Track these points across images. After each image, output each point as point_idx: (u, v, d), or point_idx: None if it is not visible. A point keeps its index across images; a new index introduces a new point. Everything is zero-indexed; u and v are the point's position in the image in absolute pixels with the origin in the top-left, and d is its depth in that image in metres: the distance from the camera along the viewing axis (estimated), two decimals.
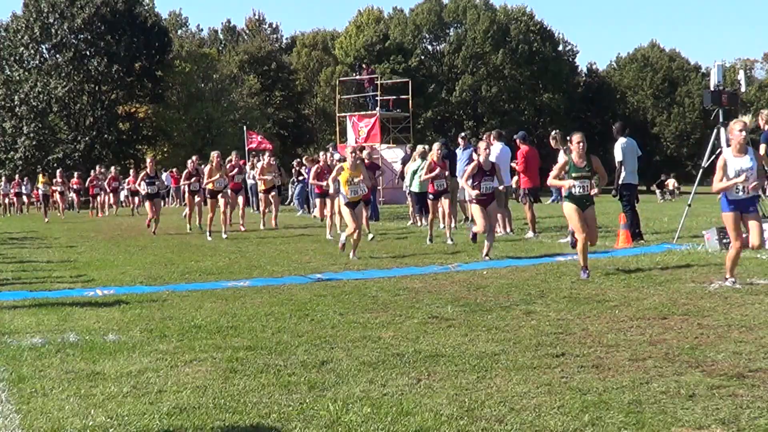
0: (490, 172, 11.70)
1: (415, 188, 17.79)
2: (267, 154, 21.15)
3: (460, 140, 17.65)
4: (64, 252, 15.02)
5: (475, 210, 11.69)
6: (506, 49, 63.48)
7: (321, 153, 17.09)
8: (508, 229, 15.45)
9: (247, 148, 30.61)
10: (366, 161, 20.51)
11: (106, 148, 52.58)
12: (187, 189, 19.51)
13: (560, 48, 68.70)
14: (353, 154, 12.68)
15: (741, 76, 14.45)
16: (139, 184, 19.21)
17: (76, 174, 34.85)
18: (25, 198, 36.53)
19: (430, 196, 14.53)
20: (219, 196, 16.79)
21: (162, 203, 20.10)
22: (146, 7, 57.81)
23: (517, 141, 15.74)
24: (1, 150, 52.50)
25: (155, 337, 6.68)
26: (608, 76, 71.64)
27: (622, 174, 13.19)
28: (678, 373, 5.11)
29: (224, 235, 16.54)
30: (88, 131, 52.49)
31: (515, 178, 15.97)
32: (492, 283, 9.15)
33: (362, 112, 35.82)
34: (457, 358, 5.66)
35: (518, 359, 5.59)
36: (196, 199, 19.27)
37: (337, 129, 38.83)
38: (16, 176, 38.67)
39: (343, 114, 38.35)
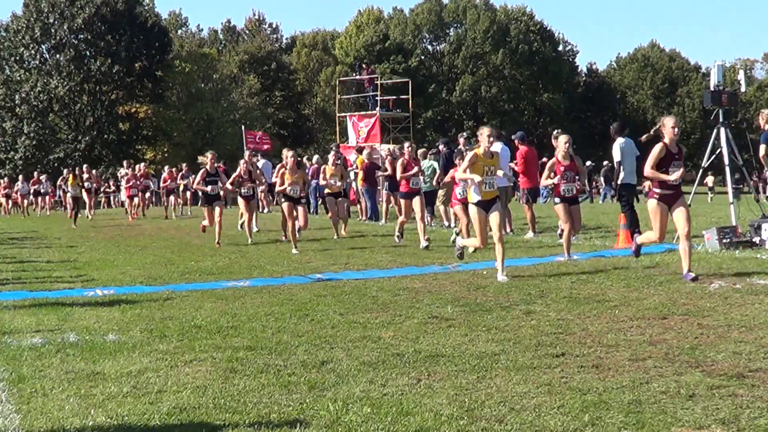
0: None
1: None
2: (332, 153, 17.51)
3: (460, 140, 17.65)
4: (64, 252, 15.02)
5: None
6: (506, 49, 63.49)
7: (406, 145, 14.81)
8: (508, 229, 15.44)
9: (245, 149, 30.59)
10: (366, 161, 20.54)
11: (106, 148, 52.58)
12: (240, 194, 16.23)
13: (560, 48, 68.71)
14: (489, 138, 9.77)
15: (741, 76, 14.46)
16: (198, 184, 16.20)
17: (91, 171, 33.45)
18: (41, 198, 34.62)
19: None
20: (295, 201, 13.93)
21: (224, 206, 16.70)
22: (146, 7, 57.84)
23: (516, 141, 15.73)
24: (1, 150, 52.50)
25: (155, 337, 6.68)
26: (608, 76, 71.67)
27: (621, 174, 13.19)
28: (678, 373, 5.11)
29: (295, 251, 13.53)
30: (88, 131, 52.50)
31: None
32: (492, 283, 9.15)
33: (362, 112, 35.85)
34: (457, 358, 5.66)
35: (518, 359, 5.59)
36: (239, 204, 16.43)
37: (337, 129, 38.85)
38: (35, 174, 36.34)
39: (343, 114, 38.38)
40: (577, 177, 11.25)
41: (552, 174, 11.15)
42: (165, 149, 56.92)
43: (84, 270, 11.85)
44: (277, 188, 14.35)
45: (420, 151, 18.59)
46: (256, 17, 73.01)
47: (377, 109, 33.93)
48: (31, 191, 33.89)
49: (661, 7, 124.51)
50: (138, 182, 27.99)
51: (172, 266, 11.96)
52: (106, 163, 50.87)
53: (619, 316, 7.03)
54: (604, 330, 6.48)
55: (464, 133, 18.75)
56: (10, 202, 35.43)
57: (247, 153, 17.52)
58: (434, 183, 17.35)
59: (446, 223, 17.32)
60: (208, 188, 15.38)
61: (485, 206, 9.61)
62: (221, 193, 15.70)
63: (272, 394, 4.94)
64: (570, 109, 65.41)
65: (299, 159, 19.77)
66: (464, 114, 64.88)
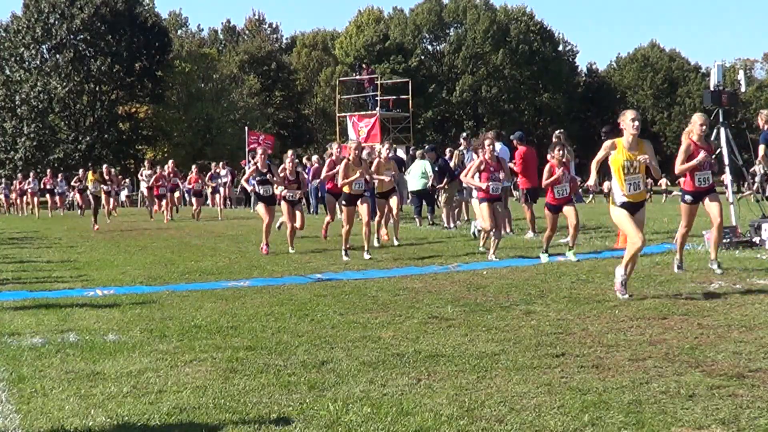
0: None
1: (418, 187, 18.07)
2: (386, 145, 15.14)
3: (462, 141, 17.64)
4: (64, 252, 15.01)
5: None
6: (506, 49, 63.52)
7: (484, 136, 13.20)
8: (508, 229, 15.44)
9: (248, 149, 30.62)
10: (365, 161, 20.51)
11: (106, 148, 52.61)
12: (284, 198, 14.09)
13: (560, 48, 68.76)
14: (634, 127, 8.05)
15: (741, 76, 14.46)
16: (247, 180, 14.80)
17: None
18: (58, 198, 33.10)
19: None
20: (359, 201, 12.48)
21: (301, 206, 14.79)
22: (146, 7, 57.87)
23: (515, 141, 15.74)
24: (1, 150, 52.52)
25: (155, 337, 6.67)
26: (608, 76, 71.71)
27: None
28: (678, 373, 5.11)
29: (368, 256, 12.24)
30: (88, 131, 52.54)
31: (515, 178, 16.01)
32: (492, 283, 9.15)
33: (362, 112, 35.86)
34: (457, 358, 5.66)
35: (518, 359, 5.59)
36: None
37: (337, 129, 38.86)
38: (48, 171, 34.34)
39: (343, 114, 38.40)
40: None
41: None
42: (165, 149, 56.94)
43: (84, 270, 11.84)
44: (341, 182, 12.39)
45: (418, 152, 18.74)
46: (256, 17, 73.13)
47: (377, 109, 33.94)
48: (40, 190, 32.32)
49: (661, 7, 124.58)
50: (167, 182, 25.85)
51: (172, 266, 11.96)
52: (106, 163, 50.88)
53: (619, 316, 7.03)
54: (604, 330, 6.48)
55: (463, 134, 18.79)
56: (21, 200, 34.13)
57: (290, 152, 14.80)
58: (429, 186, 17.49)
59: (451, 226, 17.32)
60: (261, 190, 13.60)
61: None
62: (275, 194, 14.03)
63: (272, 394, 4.93)
64: (570, 109, 65.45)
65: (299, 159, 19.34)
66: (464, 114, 64.91)
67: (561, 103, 64.22)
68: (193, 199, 26.61)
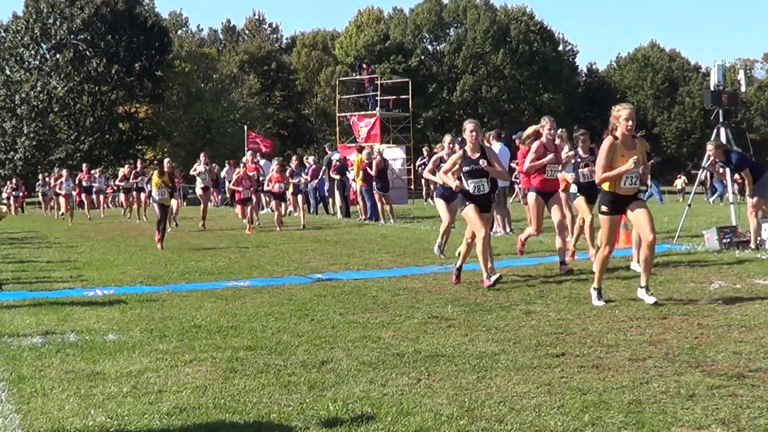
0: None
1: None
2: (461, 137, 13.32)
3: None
4: (64, 252, 15.01)
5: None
6: (506, 49, 63.48)
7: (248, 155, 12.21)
8: (507, 229, 15.44)
9: (246, 149, 30.62)
10: (365, 161, 20.54)
11: (106, 148, 52.59)
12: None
13: (560, 48, 68.70)
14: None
15: (741, 76, 14.48)
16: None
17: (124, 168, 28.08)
18: (94, 196, 28.28)
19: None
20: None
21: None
22: (146, 7, 57.81)
23: (517, 141, 15.72)
24: (1, 150, 52.50)
25: (155, 337, 6.68)
26: (608, 76, 71.67)
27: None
28: (678, 373, 5.11)
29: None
30: (88, 131, 52.50)
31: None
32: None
33: (362, 112, 35.81)
34: (457, 358, 5.66)
35: (518, 359, 5.59)
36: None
37: (337, 129, 38.85)
38: (84, 166, 29.66)
39: (343, 114, 38.38)
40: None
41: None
42: (165, 149, 56.91)
43: (84, 270, 11.84)
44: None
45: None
46: (256, 17, 73.06)
47: (377, 109, 33.91)
48: (77, 190, 27.55)
49: (661, 7, 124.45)
50: (251, 183, 20.45)
51: (172, 266, 11.96)
52: (106, 163, 50.84)
53: (619, 316, 7.03)
54: (604, 330, 6.48)
55: (449, 135, 18.51)
56: (57, 200, 28.56)
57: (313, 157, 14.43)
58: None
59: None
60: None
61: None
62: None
63: (272, 394, 4.94)
64: (570, 109, 65.35)
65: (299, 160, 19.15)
66: (464, 114, 64.78)
67: (561, 103, 64.13)
68: (273, 203, 21.63)
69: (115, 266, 12.25)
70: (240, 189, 19.31)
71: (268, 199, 23.58)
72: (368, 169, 20.11)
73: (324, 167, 23.36)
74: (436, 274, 10.18)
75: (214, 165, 28.97)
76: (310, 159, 25.15)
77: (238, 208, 20.10)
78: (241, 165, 21.35)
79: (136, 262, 12.63)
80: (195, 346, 6.32)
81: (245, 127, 33.95)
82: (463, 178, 9.03)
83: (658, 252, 11.50)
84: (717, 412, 4.34)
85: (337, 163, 22.65)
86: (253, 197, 19.86)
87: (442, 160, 10.90)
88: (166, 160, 16.96)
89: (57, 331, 7.03)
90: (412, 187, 33.74)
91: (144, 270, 11.57)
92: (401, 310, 7.66)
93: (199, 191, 21.90)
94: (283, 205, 20.20)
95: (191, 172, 23.07)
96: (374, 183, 20.17)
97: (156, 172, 16.26)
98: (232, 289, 9.44)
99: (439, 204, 11.84)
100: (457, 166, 9.13)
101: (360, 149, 22.37)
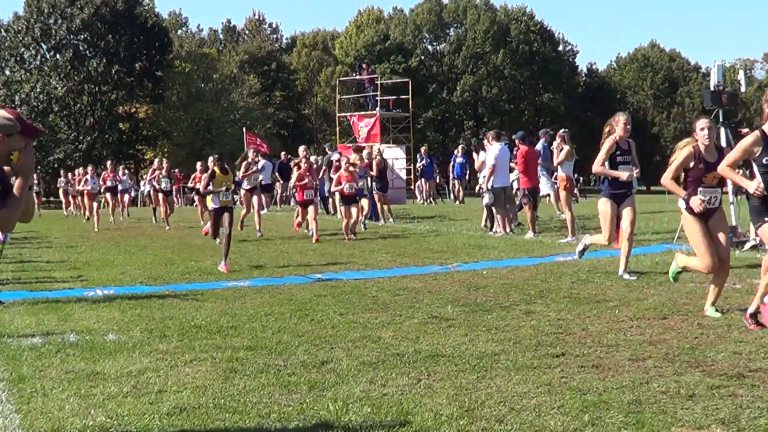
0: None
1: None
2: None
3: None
4: (64, 252, 15.01)
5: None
6: (506, 49, 63.48)
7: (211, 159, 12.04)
8: (508, 229, 15.43)
9: (246, 149, 30.59)
10: (365, 161, 20.53)
11: (106, 148, 52.60)
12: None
13: (560, 48, 68.71)
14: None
15: (741, 76, 14.51)
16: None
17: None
18: (119, 196, 25.66)
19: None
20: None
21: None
22: (146, 7, 57.82)
23: (517, 141, 15.75)
24: None
25: (155, 337, 6.68)
26: (608, 76, 71.68)
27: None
28: (678, 373, 5.11)
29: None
30: (88, 131, 52.53)
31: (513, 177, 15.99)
32: (492, 283, 9.15)
33: (362, 112, 35.80)
34: (457, 358, 5.66)
35: (518, 359, 5.59)
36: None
37: (337, 129, 38.85)
38: (108, 164, 26.66)
39: (343, 114, 38.38)
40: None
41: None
42: (165, 149, 56.93)
43: (84, 270, 11.84)
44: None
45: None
46: (256, 17, 73.07)
47: (377, 109, 33.90)
48: (102, 188, 24.68)
49: (661, 7, 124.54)
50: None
51: (172, 266, 11.96)
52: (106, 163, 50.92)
53: (619, 316, 7.03)
54: (604, 330, 6.48)
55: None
56: (81, 200, 26.00)
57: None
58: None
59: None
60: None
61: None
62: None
63: (272, 394, 4.94)
64: (570, 109, 65.36)
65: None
66: (464, 114, 64.91)
67: (561, 103, 64.16)
68: (341, 208, 18.28)
69: (115, 266, 12.25)
70: (305, 184, 16.03)
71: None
72: (368, 170, 20.11)
73: (324, 167, 23.35)
74: (436, 274, 10.19)
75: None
76: (311, 159, 25.13)
77: (298, 211, 16.90)
78: (301, 159, 17.45)
79: (136, 262, 12.63)
80: (195, 346, 6.32)
81: (244, 128, 33.95)
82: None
83: (658, 252, 11.51)
84: (717, 412, 4.34)
85: (337, 163, 22.63)
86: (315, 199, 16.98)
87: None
88: (211, 157, 14.57)
89: (57, 331, 7.03)
90: (412, 186, 33.74)
91: (144, 270, 11.57)
92: (401, 310, 7.66)
93: (242, 193, 18.59)
94: (354, 209, 15.94)
95: (241, 174, 18.12)
96: (374, 183, 20.18)
97: (217, 168, 12.40)
98: (232, 289, 9.44)
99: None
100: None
101: (357, 149, 22.36)
